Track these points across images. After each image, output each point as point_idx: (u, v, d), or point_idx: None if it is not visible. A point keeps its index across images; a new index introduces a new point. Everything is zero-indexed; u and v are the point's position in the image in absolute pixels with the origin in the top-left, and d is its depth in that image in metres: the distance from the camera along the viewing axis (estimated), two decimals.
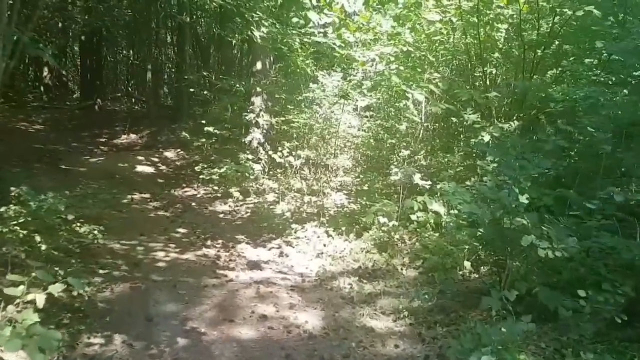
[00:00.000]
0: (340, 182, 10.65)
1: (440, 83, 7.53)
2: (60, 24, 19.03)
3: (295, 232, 7.95)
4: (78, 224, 5.55)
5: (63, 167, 10.63)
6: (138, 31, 20.37)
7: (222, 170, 10.08)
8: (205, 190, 10.41)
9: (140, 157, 12.03)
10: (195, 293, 5.52)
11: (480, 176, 7.21)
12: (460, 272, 6.21)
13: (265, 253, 7.29)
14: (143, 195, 9.65)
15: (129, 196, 9.37)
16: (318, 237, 7.82)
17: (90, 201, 7.62)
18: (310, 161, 11.35)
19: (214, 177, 10.20)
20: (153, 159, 12.13)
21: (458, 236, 6.05)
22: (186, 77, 11.74)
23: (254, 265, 6.71)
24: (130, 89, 22.29)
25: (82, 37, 18.77)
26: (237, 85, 10.98)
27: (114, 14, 18.16)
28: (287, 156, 10.30)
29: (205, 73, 10.87)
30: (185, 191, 10.40)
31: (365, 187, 10.15)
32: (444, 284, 5.83)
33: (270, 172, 11.06)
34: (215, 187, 10.28)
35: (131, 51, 23.14)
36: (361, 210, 8.84)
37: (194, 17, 18.03)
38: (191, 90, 11.45)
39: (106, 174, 10.60)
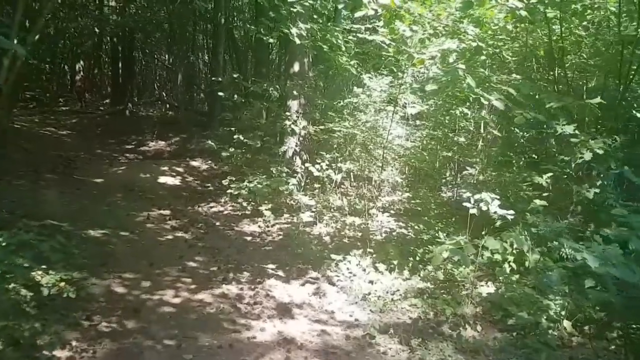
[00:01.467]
0: (387, 201, 9.11)
1: (521, 86, 5.88)
2: (94, 26, 18.00)
3: (336, 264, 6.43)
4: (39, 272, 4.08)
5: (77, 177, 9.37)
6: (173, 35, 19.27)
7: (252, 184, 8.66)
8: (232, 206, 8.98)
9: (164, 167, 10.71)
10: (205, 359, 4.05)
11: (575, 205, 5.59)
12: (556, 333, 4.59)
13: (299, 292, 5.78)
14: (162, 211, 8.28)
15: (146, 213, 8.00)
16: (364, 270, 6.29)
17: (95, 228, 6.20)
18: (352, 175, 9.85)
19: (243, 191, 8.78)
20: (179, 169, 10.80)
21: (556, 287, 4.42)
22: (214, 78, 10.35)
23: (285, 311, 5.21)
24: (164, 94, 21.17)
25: (114, 39, 17.67)
26: (271, 89, 9.55)
27: (147, 15, 17.08)
28: (326, 169, 8.86)
29: (236, 75, 9.46)
30: (211, 207, 9.00)
31: (416, 207, 8.60)
32: (537, 353, 4.22)
33: (307, 187, 9.59)
34: (244, 204, 8.85)
35: (166, 55, 22.09)
36: (415, 237, 7.30)
37: (230, 18, 16.79)
38: (220, 94, 10.06)
39: (125, 185, 9.29)
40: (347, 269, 6.36)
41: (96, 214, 7.43)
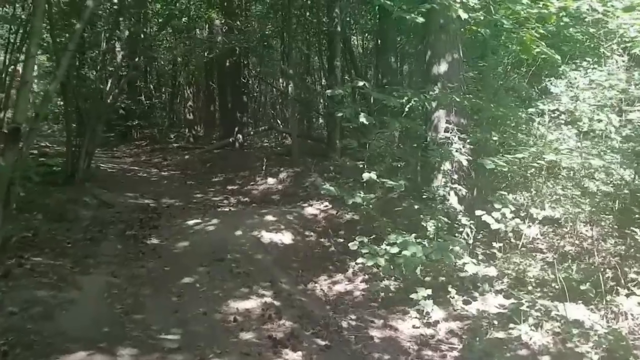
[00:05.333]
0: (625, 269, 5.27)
1: None
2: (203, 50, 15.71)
3: None
4: None
5: (152, 242, 6.58)
6: (286, 56, 16.64)
7: (395, 249, 5.28)
8: (366, 283, 5.70)
9: (270, 217, 7.67)
10: None
11: None
12: None
13: None
14: (261, 298, 5.18)
15: (234, 306, 4.92)
16: None
17: None
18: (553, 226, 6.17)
19: (381, 260, 5.44)
20: (289, 217, 7.70)
21: None
22: (329, 92, 7.10)
23: None
24: (279, 122, 18.58)
25: (222, 64, 15.29)
26: (416, 100, 6.15)
27: (255, 33, 14.53)
28: (511, 218, 5.37)
29: (361, 83, 6.23)
30: (333, 283, 5.80)
31: None
32: None
33: (480, 245, 6.04)
34: (385, 280, 5.50)
35: (280, 80, 19.56)
36: None
37: (346, 28, 13.78)
38: (339, 114, 6.84)
39: (214, 251, 6.34)
40: None
41: (154, 319, 4.46)
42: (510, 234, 5.83)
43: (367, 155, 6.74)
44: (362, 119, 5.90)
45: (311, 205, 8.21)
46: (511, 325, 4.51)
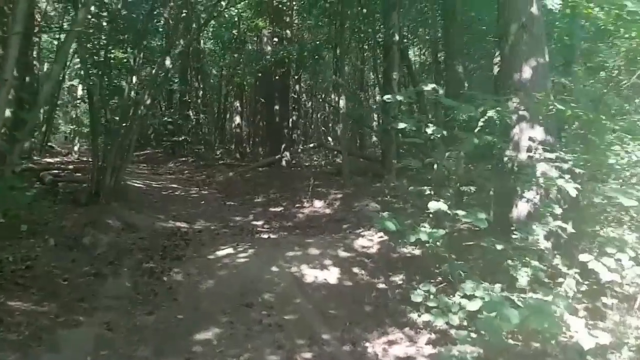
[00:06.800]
0: None
1: None
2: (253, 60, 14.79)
3: None
4: None
5: (170, 278, 5.44)
6: (339, 70, 15.51)
7: (474, 304, 3.94)
8: (432, 345, 4.35)
9: (314, 250, 6.45)
10: None
11: None
12: None
13: None
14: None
15: None
16: None
17: None
18: None
19: (453, 317, 4.13)
20: (337, 249, 6.44)
21: None
22: (386, 97, 5.81)
23: None
24: (329, 139, 17.45)
25: (270, 77, 14.31)
26: (498, 110, 4.81)
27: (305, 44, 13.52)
28: (631, 266, 3.97)
29: (431, 86, 4.96)
30: (390, 343, 4.47)
31: None
32: None
33: (582, 299, 4.59)
34: (459, 345, 4.13)
35: (332, 95, 18.47)
36: None
37: (403, 37, 12.54)
38: (401, 126, 5.57)
39: (242, 292, 5.15)
40: None
41: None
42: (627, 286, 4.38)
43: (431, 177, 5.43)
44: (430, 130, 4.64)
45: (362, 236, 6.91)
46: None
